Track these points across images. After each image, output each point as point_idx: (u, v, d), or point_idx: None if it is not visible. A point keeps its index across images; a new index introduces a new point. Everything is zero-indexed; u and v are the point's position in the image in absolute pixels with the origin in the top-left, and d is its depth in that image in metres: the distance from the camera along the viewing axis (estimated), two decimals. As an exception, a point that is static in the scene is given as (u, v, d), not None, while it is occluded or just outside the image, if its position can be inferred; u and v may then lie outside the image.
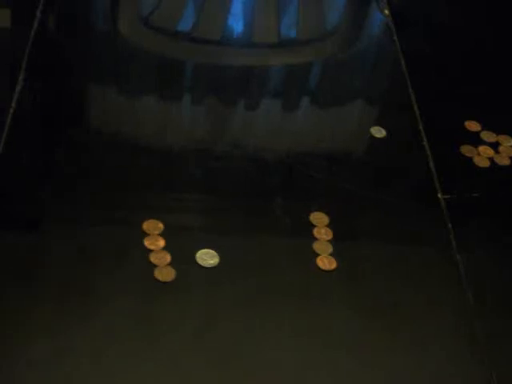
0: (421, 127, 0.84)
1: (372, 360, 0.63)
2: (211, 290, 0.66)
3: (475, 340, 0.66)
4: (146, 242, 0.68)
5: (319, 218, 0.73)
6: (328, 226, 0.72)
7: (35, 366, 0.59)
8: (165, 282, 0.65)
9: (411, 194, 0.78)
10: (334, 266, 0.69)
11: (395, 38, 0.96)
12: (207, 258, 0.68)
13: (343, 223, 0.73)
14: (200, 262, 0.67)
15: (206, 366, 0.61)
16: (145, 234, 0.69)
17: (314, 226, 0.72)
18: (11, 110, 0.77)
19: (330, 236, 0.71)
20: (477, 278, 0.71)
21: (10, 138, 0.75)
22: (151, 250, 0.67)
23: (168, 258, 0.67)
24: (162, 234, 0.69)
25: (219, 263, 0.68)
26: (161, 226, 0.69)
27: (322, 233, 0.72)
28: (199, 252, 0.68)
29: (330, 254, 0.70)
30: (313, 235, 0.71)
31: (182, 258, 0.67)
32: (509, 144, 0.84)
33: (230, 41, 0.96)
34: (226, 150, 0.79)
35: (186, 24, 0.96)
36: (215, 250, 0.68)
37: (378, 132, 0.83)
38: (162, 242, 0.68)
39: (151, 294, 0.65)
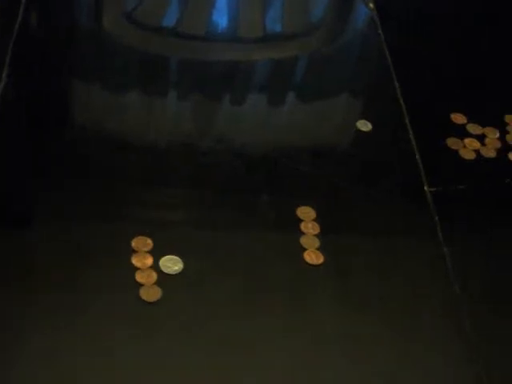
0: (407, 120, 0.84)
1: (360, 353, 0.63)
2: (197, 290, 0.66)
3: (463, 332, 0.66)
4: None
5: (306, 213, 0.73)
6: (315, 220, 0.72)
7: (26, 363, 0.58)
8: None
9: (397, 188, 0.78)
10: (321, 260, 0.69)
11: (380, 31, 0.96)
12: (171, 264, 0.67)
13: (330, 217, 0.73)
14: (163, 269, 0.66)
15: (197, 365, 0.61)
16: (133, 233, 0.68)
17: (301, 220, 0.72)
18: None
19: (317, 230, 0.71)
20: (464, 271, 0.71)
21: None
22: (136, 252, 0.67)
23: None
24: (150, 233, 0.68)
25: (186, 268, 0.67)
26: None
27: (309, 227, 0.71)
28: (162, 259, 0.67)
29: (317, 249, 0.70)
30: (300, 229, 0.71)
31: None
32: (495, 136, 0.84)
33: (215, 36, 0.95)
34: (211, 145, 0.79)
35: (170, 19, 0.95)
36: (200, 246, 0.68)
37: (364, 125, 0.83)
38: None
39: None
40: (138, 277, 0.65)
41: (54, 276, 0.65)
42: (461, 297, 0.68)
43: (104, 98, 0.84)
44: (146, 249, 0.67)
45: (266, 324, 0.64)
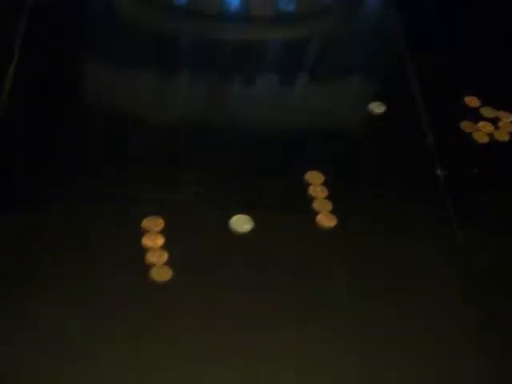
0: (420, 102, 0.84)
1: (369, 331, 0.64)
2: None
3: (474, 316, 0.66)
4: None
5: (319, 191, 0.73)
6: (327, 198, 0.72)
7: (31, 348, 0.59)
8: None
9: (409, 170, 0.78)
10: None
11: (395, 11, 0.95)
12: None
13: (342, 197, 0.73)
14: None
15: (209, 343, 0.61)
16: (143, 215, 0.68)
17: (314, 198, 0.72)
18: (7, 86, 0.77)
19: (329, 207, 0.72)
20: (477, 254, 0.70)
21: (5, 113, 0.75)
22: (147, 231, 0.67)
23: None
24: (159, 211, 0.68)
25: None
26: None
27: (321, 204, 0.72)
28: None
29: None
30: (313, 209, 0.71)
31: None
32: (508, 120, 0.84)
33: (227, 15, 0.95)
34: (223, 124, 0.79)
35: (182, -3, 0.95)
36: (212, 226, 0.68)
37: (377, 107, 0.83)
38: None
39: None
40: (149, 256, 0.65)
41: (65, 258, 0.65)
42: (473, 282, 0.68)
43: (116, 77, 0.84)
44: (158, 228, 0.67)
45: (277, 299, 0.64)
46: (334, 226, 0.70)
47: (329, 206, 0.72)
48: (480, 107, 0.85)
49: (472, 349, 0.64)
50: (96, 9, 0.92)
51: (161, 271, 0.64)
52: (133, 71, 0.84)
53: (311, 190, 0.73)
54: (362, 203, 0.73)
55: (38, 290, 0.62)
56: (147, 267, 0.65)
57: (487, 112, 0.84)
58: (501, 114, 0.84)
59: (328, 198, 0.72)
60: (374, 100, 0.83)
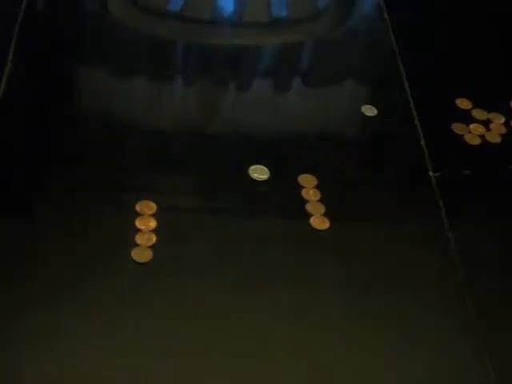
0: (412, 105, 0.84)
1: (363, 324, 0.64)
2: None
3: (468, 316, 0.66)
4: (137, 222, 0.68)
5: (312, 194, 0.73)
6: (320, 201, 0.73)
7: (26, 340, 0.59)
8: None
9: (402, 172, 0.78)
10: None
11: (386, 16, 0.95)
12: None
13: (335, 202, 0.73)
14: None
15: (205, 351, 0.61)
16: (137, 214, 0.69)
17: (307, 201, 0.73)
18: (0, 92, 0.77)
19: (322, 211, 0.72)
20: (469, 255, 0.71)
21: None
22: (140, 230, 0.67)
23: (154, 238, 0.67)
24: (154, 215, 0.69)
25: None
26: (153, 206, 0.70)
27: (314, 206, 0.72)
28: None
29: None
30: (306, 211, 0.72)
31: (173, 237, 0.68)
32: (500, 122, 0.84)
33: (221, 21, 0.95)
34: (218, 130, 0.79)
35: (175, 3, 0.95)
36: (209, 230, 0.69)
37: (369, 110, 0.83)
38: (152, 223, 0.68)
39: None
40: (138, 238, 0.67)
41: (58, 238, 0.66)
42: (466, 281, 0.68)
43: (110, 83, 0.84)
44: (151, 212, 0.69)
45: (269, 301, 0.65)
46: (327, 229, 0.71)
47: (322, 208, 0.72)
48: (471, 109, 0.85)
49: (472, 348, 0.64)
50: (89, 15, 0.92)
51: (142, 253, 0.66)
52: (126, 77, 0.84)
53: (304, 193, 0.73)
54: (355, 206, 0.74)
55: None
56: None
57: (479, 114, 0.85)
58: (492, 115, 0.85)
59: (321, 200, 0.73)
60: (367, 103, 0.84)
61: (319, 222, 0.71)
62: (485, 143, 0.82)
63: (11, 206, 0.69)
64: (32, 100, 0.79)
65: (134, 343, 0.60)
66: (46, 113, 0.77)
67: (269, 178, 0.74)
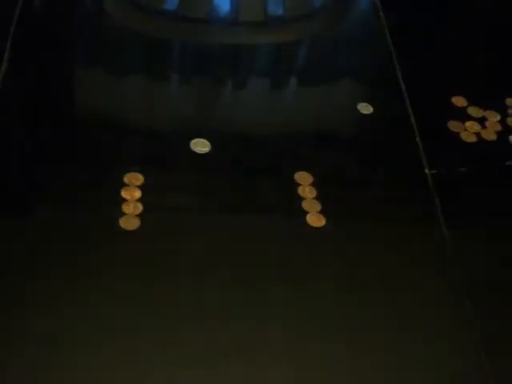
0: (407, 103, 0.84)
1: (355, 321, 0.65)
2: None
3: (464, 314, 0.66)
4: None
5: (308, 192, 0.73)
6: (316, 198, 0.73)
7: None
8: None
9: (398, 170, 0.78)
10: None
11: (381, 14, 0.95)
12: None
13: (331, 199, 0.73)
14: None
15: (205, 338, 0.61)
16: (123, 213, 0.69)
17: (303, 198, 0.73)
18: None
19: (318, 208, 0.72)
20: (465, 253, 0.71)
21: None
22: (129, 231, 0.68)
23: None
24: (142, 214, 0.69)
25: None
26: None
27: (310, 204, 0.72)
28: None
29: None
30: (302, 209, 0.72)
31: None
32: (495, 119, 0.85)
33: (216, 19, 0.95)
34: (213, 128, 0.79)
35: (171, 2, 0.95)
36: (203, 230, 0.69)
37: (365, 108, 0.83)
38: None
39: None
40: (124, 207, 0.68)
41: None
42: (462, 279, 0.69)
43: (105, 82, 0.84)
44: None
45: (264, 298, 0.65)
46: (323, 226, 0.71)
47: (318, 206, 0.72)
48: (467, 107, 0.85)
49: (472, 347, 0.64)
50: (85, 14, 0.92)
51: (130, 221, 0.68)
52: (122, 76, 0.84)
53: (300, 191, 0.73)
54: (351, 203, 0.74)
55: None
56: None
57: (474, 112, 0.85)
58: (488, 113, 0.85)
59: (317, 198, 0.73)
60: (363, 101, 0.84)
61: (315, 219, 0.71)
62: (480, 141, 0.82)
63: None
64: (26, 101, 0.79)
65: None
66: (41, 112, 0.77)
67: (210, 151, 0.75)
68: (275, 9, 0.98)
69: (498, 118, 0.85)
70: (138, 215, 0.68)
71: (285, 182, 0.74)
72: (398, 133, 0.82)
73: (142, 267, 0.65)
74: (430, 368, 0.62)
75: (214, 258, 0.67)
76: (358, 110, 0.83)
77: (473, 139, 0.82)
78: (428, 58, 0.91)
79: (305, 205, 0.72)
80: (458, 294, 0.68)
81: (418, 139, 0.80)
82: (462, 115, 0.84)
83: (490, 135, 0.83)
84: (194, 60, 0.88)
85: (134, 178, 0.71)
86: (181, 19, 0.93)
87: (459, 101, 0.86)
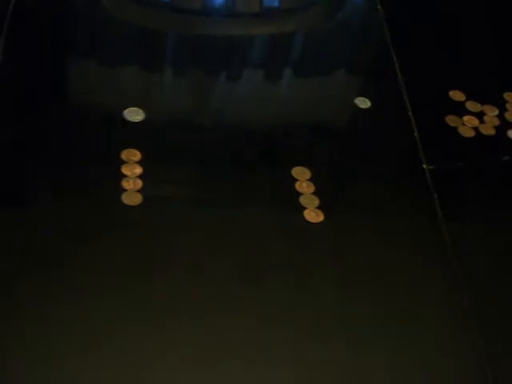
0: (405, 97, 0.84)
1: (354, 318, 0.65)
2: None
3: (462, 307, 0.66)
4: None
5: (305, 187, 0.73)
6: (314, 194, 0.72)
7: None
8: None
9: (396, 165, 0.78)
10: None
11: (379, 6, 0.95)
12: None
13: (329, 194, 0.73)
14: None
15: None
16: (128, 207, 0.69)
17: (300, 193, 0.72)
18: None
19: (316, 203, 0.72)
20: (463, 247, 0.71)
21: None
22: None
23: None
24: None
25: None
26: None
27: (308, 199, 0.72)
28: None
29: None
30: (300, 204, 0.72)
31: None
32: (493, 114, 0.84)
33: (212, 11, 0.94)
34: (209, 120, 0.79)
35: (167, -6, 0.95)
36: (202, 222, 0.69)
37: (363, 103, 0.83)
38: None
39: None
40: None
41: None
42: (460, 273, 0.69)
43: (101, 74, 0.83)
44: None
45: (262, 295, 0.65)
46: (321, 222, 0.70)
47: (316, 201, 0.72)
48: (465, 101, 0.85)
49: (469, 342, 0.64)
50: (81, 6, 0.91)
51: (132, 196, 0.69)
52: (117, 68, 0.84)
53: (298, 186, 0.73)
54: (349, 198, 0.74)
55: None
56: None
57: (472, 106, 0.85)
58: (486, 108, 0.85)
59: (315, 193, 0.73)
60: (360, 95, 0.84)
61: (313, 214, 0.71)
62: (478, 135, 0.82)
63: None
64: (21, 93, 0.78)
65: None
66: (36, 104, 0.76)
67: (144, 119, 0.75)
68: (271, 0, 0.98)
69: (497, 112, 0.84)
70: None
71: (282, 177, 0.74)
72: (396, 127, 0.82)
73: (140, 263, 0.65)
74: (430, 368, 0.62)
75: (211, 254, 0.67)
76: (355, 105, 0.83)
77: (471, 134, 0.82)
78: (425, 51, 0.91)
79: (302, 200, 0.72)
80: (458, 288, 0.68)
81: (415, 134, 0.80)
82: (460, 110, 0.84)
83: (488, 130, 0.83)
84: (190, 51, 0.88)
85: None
86: (176, 10, 0.93)
87: (457, 95, 0.85)
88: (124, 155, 0.72)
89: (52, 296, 0.61)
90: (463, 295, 0.67)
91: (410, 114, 0.82)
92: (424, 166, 0.77)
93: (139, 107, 0.78)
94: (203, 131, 0.77)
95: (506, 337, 0.65)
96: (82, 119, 0.76)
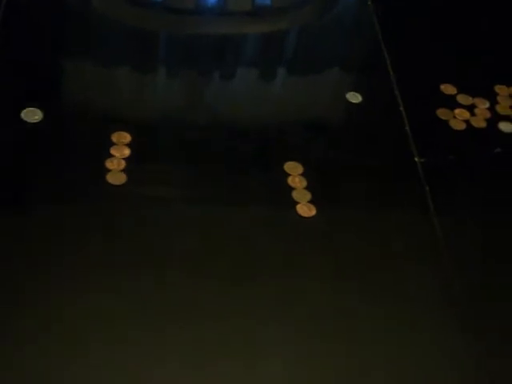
0: (396, 91, 0.84)
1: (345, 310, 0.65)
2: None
3: (454, 302, 0.66)
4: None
5: (297, 182, 0.73)
6: (306, 188, 0.73)
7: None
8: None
9: (388, 158, 0.78)
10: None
11: (369, 2, 0.95)
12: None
13: (321, 189, 0.73)
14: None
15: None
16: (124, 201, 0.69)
17: (293, 188, 0.73)
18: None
19: (308, 198, 0.72)
20: (454, 241, 0.71)
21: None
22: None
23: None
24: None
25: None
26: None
27: (300, 194, 0.72)
28: None
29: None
30: (292, 199, 0.72)
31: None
32: (484, 106, 0.85)
33: (204, 9, 0.95)
34: (202, 120, 0.79)
35: (159, -7, 0.95)
36: (193, 221, 0.69)
37: (354, 97, 0.83)
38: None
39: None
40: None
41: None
42: (452, 267, 0.69)
43: (93, 74, 0.84)
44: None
45: (254, 289, 0.65)
46: (313, 216, 0.71)
47: (308, 196, 0.72)
48: (456, 94, 0.85)
49: (470, 344, 0.64)
50: (73, 6, 0.91)
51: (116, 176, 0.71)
52: (110, 68, 0.84)
53: (290, 181, 0.73)
54: (341, 193, 0.74)
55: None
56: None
57: (463, 99, 0.85)
58: (477, 100, 0.85)
59: (307, 188, 0.73)
60: (351, 90, 0.84)
61: (306, 209, 0.71)
62: (470, 128, 0.82)
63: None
64: (14, 91, 0.78)
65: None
66: (28, 103, 0.76)
67: (42, 119, 0.75)
68: (263, -2, 0.98)
69: (488, 105, 0.85)
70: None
71: (274, 172, 0.74)
72: (387, 121, 0.82)
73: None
74: (429, 367, 0.62)
75: (203, 250, 0.67)
76: (346, 99, 0.83)
77: (462, 127, 0.82)
78: (416, 46, 0.91)
79: (295, 195, 0.72)
80: (448, 280, 0.68)
81: (407, 127, 0.80)
82: (451, 103, 0.84)
83: (479, 122, 0.83)
84: (182, 50, 0.88)
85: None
86: (169, 10, 0.93)
87: (448, 88, 0.86)
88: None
89: (52, 296, 0.61)
90: (454, 288, 0.67)
91: (401, 107, 0.82)
92: (416, 159, 0.78)
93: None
94: (197, 129, 0.78)
95: (499, 331, 0.65)
96: (77, 118, 0.77)
